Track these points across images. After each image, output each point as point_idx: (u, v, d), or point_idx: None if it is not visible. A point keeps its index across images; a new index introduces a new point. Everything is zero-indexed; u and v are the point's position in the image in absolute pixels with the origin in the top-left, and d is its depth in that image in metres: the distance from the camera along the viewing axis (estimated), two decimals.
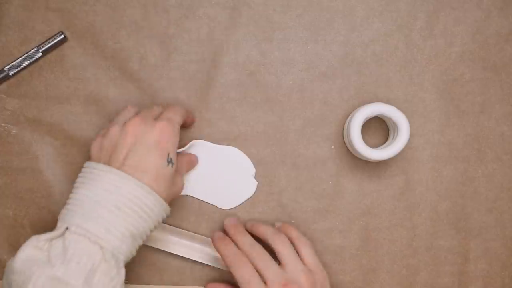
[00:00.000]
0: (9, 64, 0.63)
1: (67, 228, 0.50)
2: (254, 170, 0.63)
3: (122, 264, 0.51)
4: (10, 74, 0.63)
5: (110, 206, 0.50)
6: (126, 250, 0.51)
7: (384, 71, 0.64)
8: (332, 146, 0.64)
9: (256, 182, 0.63)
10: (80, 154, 0.64)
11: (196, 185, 0.63)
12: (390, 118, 0.60)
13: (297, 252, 0.57)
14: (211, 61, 0.64)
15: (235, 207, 0.64)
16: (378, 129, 0.64)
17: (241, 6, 0.64)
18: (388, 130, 0.64)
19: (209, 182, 0.63)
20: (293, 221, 0.64)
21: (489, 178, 0.64)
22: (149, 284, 0.63)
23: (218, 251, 0.58)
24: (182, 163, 0.59)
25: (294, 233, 0.59)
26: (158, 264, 0.63)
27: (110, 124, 0.56)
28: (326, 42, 0.64)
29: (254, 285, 0.54)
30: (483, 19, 0.64)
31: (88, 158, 0.58)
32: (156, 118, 0.56)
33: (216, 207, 0.64)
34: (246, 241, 0.58)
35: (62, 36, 0.63)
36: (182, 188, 0.58)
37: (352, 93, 0.64)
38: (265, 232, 0.58)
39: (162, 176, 0.53)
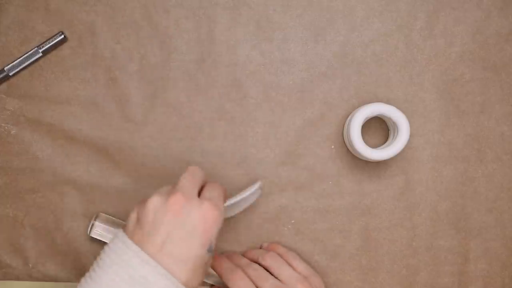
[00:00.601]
0: (9, 64, 0.63)
1: None
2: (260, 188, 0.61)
3: None
4: (10, 74, 0.63)
5: None
6: None
7: (384, 71, 0.64)
8: (332, 146, 0.64)
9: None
10: (80, 154, 0.64)
11: None
12: (390, 118, 0.60)
13: (288, 262, 0.60)
14: (211, 61, 0.64)
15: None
16: (378, 129, 0.64)
17: (241, 6, 0.64)
18: (388, 130, 0.64)
19: None
20: (293, 221, 0.64)
21: (489, 178, 0.64)
22: None
23: (214, 269, 0.58)
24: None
25: (280, 249, 0.61)
26: None
27: (151, 193, 0.50)
28: (326, 42, 0.64)
29: None
30: (483, 19, 0.64)
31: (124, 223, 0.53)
32: (200, 196, 0.50)
33: None
34: (242, 260, 0.59)
35: (62, 36, 0.63)
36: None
37: (352, 93, 0.64)
38: (254, 253, 0.60)
39: (200, 266, 0.48)
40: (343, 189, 0.64)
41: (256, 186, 0.58)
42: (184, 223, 0.47)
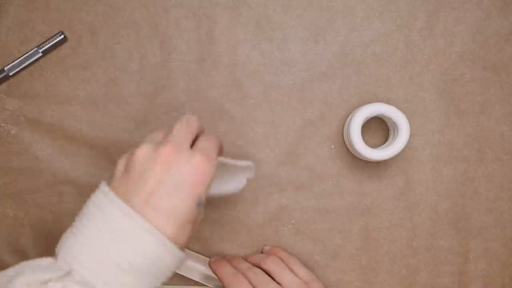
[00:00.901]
0: (9, 64, 0.63)
1: (69, 272, 0.43)
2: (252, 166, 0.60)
3: None
4: (10, 74, 0.63)
5: (124, 262, 0.43)
6: None
7: (384, 71, 0.64)
8: (332, 146, 0.64)
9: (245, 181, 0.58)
10: (80, 154, 0.64)
11: None
12: (390, 118, 0.60)
13: (290, 267, 0.60)
14: (211, 61, 0.64)
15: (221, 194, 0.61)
16: (378, 129, 0.64)
17: (241, 6, 0.64)
18: (388, 130, 0.64)
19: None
20: (293, 221, 0.64)
21: (489, 178, 0.64)
22: None
23: (215, 273, 0.58)
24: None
25: (282, 254, 0.61)
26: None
27: (141, 141, 0.48)
28: (326, 42, 0.64)
29: None
30: (483, 19, 0.64)
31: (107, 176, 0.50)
32: (193, 147, 0.48)
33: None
34: (243, 264, 0.59)
35: (62, 36, 0.63)
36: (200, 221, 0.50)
37: (352, 93, 0.64)
38: (256, 258, 0.60)
39: (188, 221, 0.45)
40: (343, 189, 0.64)
41: (247, 163, 0.55)
42: (173, 176, 0.45)
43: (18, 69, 0.63)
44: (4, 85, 0.64)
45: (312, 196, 0.64)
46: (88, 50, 0.64)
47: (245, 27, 0.64)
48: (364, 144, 0.59)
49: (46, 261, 0.44)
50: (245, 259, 0.61)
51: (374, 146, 0.64)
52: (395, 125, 0.60)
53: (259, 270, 0.58)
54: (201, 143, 0.48)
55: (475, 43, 0.64)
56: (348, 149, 0.64)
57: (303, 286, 0.57)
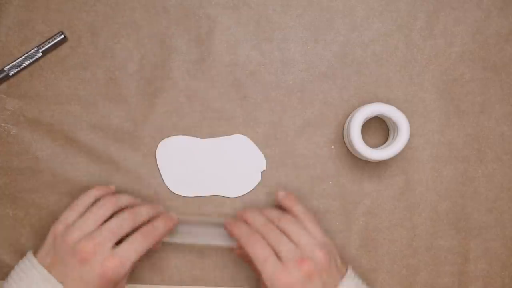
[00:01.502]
0: (9, 64, 0.63)
1: None
2: (263, 157, 0.64)
3: None
4: (10, 74, 0.63)
5: None
6: None
7: (384, 71, 0.64)
8: (332, 146, 0.64)
9: (264, 167, 0.64)
10: (80, 154, 0.64)
11: (199, 183, 0.63)
12: (390, 118, 0.60)
13: (302, 222, 0.57)
14: (211, 61, 0.64)
15: (243, 195, 0.63)
16: (378, 129, 0.64)
17: (241, 6, 0.64)
18: (388, 130, 0.64)
19: (214, 175, 0.63)
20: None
21: (489, 178, 0.64)
22: (149, 284, 0.63)
23: (231, 233, 0.58)
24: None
25: (299, 208, 0.58)
26: (158, 264, 0.63)
27: (69, 209, 0.56)
28: (326, 42, 0.64)
29: (270, 263, 0.53)
30: (483, 19, 0.64)
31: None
32: (117, 246, 0.54)
33: (222, 199, 0.64)
34: (259, 219, 0.57)
35: (62, 36, 0.63)
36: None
37: (352, 93, 0.64)
38: (272, 213, 0.58)
39: None
40: (343, 189, 0.64)
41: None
42: (86, 272, 0.53)
43: (18, 69, 0.63)
44: (4, 85, 0.64)
45: (312, 196, 0.64)
46: (88, 50, 0.64)
47: (245, 27, 0.64)
48: (364, 144, 0.59)
49: None
50: (261, 211, 0.59)
51: (374, 146, 0.64)
52: (395, 125, 0.60)
53: (275, 228, 0.56)
54: (126, 245, 0.54)
55: (475, 43, 0.64)
56: (348, 149, 0.64)
57: (321, 247, 0.55)
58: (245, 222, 0.58)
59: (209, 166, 0.63)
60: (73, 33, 0.64)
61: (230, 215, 0.63)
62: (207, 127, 0.64)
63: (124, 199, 0.58)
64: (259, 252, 0.54)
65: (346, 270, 0.56)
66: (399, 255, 0.64)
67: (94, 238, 0.53)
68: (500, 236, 0.64)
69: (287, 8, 0.64)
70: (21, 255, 0.63)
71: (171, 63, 0.64)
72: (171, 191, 0.64)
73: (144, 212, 0.58)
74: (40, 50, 0.63)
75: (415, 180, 0.64)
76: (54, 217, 0.63)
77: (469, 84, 0.64)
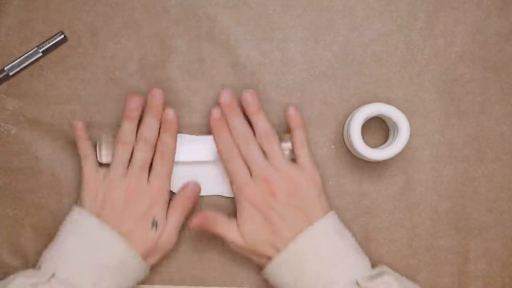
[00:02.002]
0: (9, 64, 0.63)
1: (53, 275, 0.54)
2: None
3: None
4: (10, 74, 0.63)
5: (100, 263, 0.55)
6: None
7: (384, 71, 0.64)
8: (332, 146, 0.64)
9: None
10: None
11: (199, 182, 0.63)
12: (390, 118, 0.60)
13: (293, 147, 0.60)
14: (211, 61, 0.64)
15: None
16: (378, 129, 0.64)
17: (241, 6, 0.64)
18: (388, 130, 0.64)
19: (214, 174, 0.63)
20: None
21: (489, 178, 0.64)
22: (149, 284, 0.63)
23: (213, 135, 0.60)
24: (175, 216, 0.61)
25: (299, 134, 0.60)
26: (158, 264, 0.63)
27: (115, 148, 0.59)
28: (326, 42, 0.64)
29: (239, 176, 0.58)
30: (483, 19, 0.64)
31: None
32: (150, 171, 0.59)
33: (221, 198, 0.64)
34: (240, 128, 0.59)
35: (62, 36, 0.63)
36: (173, 245, 0.61)
37: (352, 93, 0.64)
38: (258, 125, 0.60)
39: (145, 240, 0.58)
40: (343, 189, 0.64)
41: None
42: (134, 205, 0.58)
43: (18, 69, 0.63)
44: (4, 85, 0.64)
45: None
46: (88, 50, 0.64)
47: (245, 27, 0.64)
48: (364, 144, 0.59)
49: (30, 271, 0.56)
50: (254, 114, 0.60)
51: (374, 146, 0.64)
52: (395, 125, 0.60)
53: (253, 141, 0.59)
54: (157, 167, 0.59)
55: (475, 43, 0.64)
56: (348, 149, 0.64)
57: (294, 171, 0.58)
58: (228, 126, 0.60)
59: (209, 166, 0.63)
60: (73, 33, 0.64)
61: (230, 215, 0.63)
62: (207, 127, 0.64)
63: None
64: (232, 167, 0.59)
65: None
66: (399, 255, 0.64)
67: (132, 175, 0.58)
68: (500, 236, 0.64)
69: (287, 8, 0.64)
70: (21, 255, 0.63)
71: (171, 63, 0.64)
72: (171, 191, 0.63)
73: (152, 129, 0.60)
74: (40, 50, 0.63)
75: (415, 180, 0.64)
76: (54, 217, 0.63)
77: (469, 84, 0.64)
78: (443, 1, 0.64)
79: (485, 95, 0.64)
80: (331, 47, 0.64)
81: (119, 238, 0.56)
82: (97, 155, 0.61)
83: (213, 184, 0.63)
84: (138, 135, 0.60)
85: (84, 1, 0.64)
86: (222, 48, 0.64)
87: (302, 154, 0.59)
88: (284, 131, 0.64)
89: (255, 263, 0.61)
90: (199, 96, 0.64)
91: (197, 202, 0.63)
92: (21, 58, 0.63)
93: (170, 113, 0.61)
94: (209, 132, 0.64)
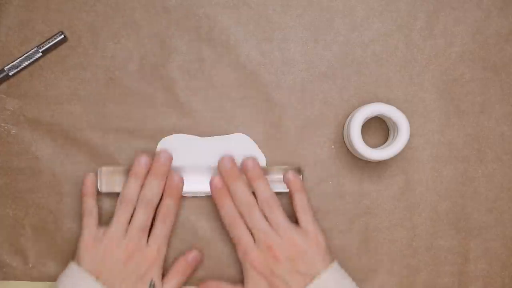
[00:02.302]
0: (9, 64, 0.63)
1: None
2: (263, 157, 0.64)
3: None
4: (10, 74, 0.63)
5: None
6: None
7: (384, 71, 0.64)
8: (332, 146, 0.64)
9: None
10: (80, 154, 0.64)
11: (199, 182, 0.63)
12: (390, 118, 0.60)
13: (295, 210, 0.60)
14: (211, 61, 0.64)
15: None
16: (378, 129, 0.64)
17: (241, 6, 0.64)
18: (388, 130, 0.64)
19: (214, 174, 0.63)
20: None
21: (489, 178, 0.64)
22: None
23: (216, 204, 0.61)
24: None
25: (300, 197, 0.60)
26: None
27: (112, 227, 0.59)
28: (326, 42, 0.64)
29: (244, 242, 0.59)
30: (483, 19, 0.64)
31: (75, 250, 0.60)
32: (150, 234, 0.60)
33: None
34: (242, 195, 0.60)
35: (62, 36, 0.63)
36: None
37: (352, 93, 0.64)
38: (259, 190, 0.60)
39: None
40: (343, 189, 0.64)
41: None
42: (131, 267, 0.58)
43: (18, 69, 0.63)
44: (4, 85, 0.64)
45: (312, 196, 0.64)
46: (88, 50, 0.64)
47: (245, 27, 0.64)
48: (364, 144, 0.59)
49: None
50: (252, 181, 0.61)
51: (374, 146, 0.64)
52: (395, 125, 0.60)
53: (256, 209, 0.59)
54: (157, 230, 0.60)
55: (475, 43, 0.64)
56: (348, 149, 0.64)
57: (297, 236, 0.58)
58: (230, 194, 0.60)
59: (209, 166, 0.63)
60: (73, 33, 0.64)
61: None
62: (207, 127, 0.64)
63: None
64: (236, 234, 0.59)
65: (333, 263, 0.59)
66: (399, 255, 0.64)
67: (132, 237, 0.58)
68: (500, 236, 0.64)
69: (287, 8, 0.64)
70: (21, 255, 0.63)
71: (171, 63, 0.64)
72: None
73: (155, 192, 0.60)
74: (40, 50, 0.63)
75: (415, 180, 0.64)
76: (54, 217, 0.63)
77: (469, 84, 0.64)
78: (443, 1, 0.64)
79: (485, 95, 0.64)
80: (331, 47, 0.64)
81: None
82: (98, 184, 0.62)
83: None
84: (140, 196, 0.60)
85: (84, 1, 0.64)
86: (222, 48, 0.64)
87: (305, 218, 0.59)
88: (283, 134, 0.64)
89: None
90: (199, 96, 0.64)
91: (197, 268, 0.63)
92: (21, 58, 0.63)
93: (175, 178, 0.61)
94: (210, 133, 0.64)
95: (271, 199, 0.60)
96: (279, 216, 0.59)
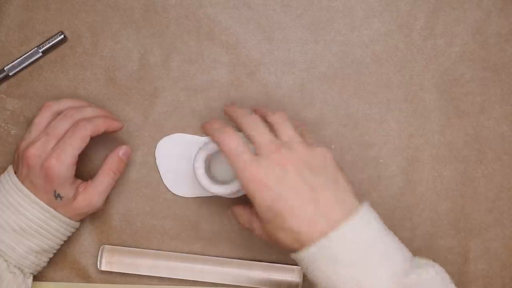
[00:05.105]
0: (9, 64, 0.63)
1: None
2: None
3: (28, 275, 0.57)
4: (10, 74, 0.63)
5: (16, 226, 0.55)
6: (30, 264, 0.57)
7: (384, 71, 0.64)
8: (332, 146, 0.64)
9: None
10: (80, 154, 0.64)
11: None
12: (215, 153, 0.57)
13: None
14: (211, 61, 0.64)
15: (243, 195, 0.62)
16: None
17: (241, 6, 0.64)
18: None
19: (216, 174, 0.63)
20: None
21: (489, 178, 0.64)
22: (149, 285, 0.63)
23: (205, 131, 0.53)
24: (103, 175, 0.59)
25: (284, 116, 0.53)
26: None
27: (29, 129, 0.58)
28: (326, 42, 0.64)
29: (241, 156, 0.48)
30: (483, 19, 0.64)
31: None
32: (54, 144, 0.56)
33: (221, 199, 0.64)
34: (240, 112, 0.52)
35: (62, 36, 0.63)
36: (94, 207, 0.59)
37: (352, 93, 0.64)
38: (263, 110, 0.54)
39: (54, 203, 0.56)
40: None
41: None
42: (34, 171, 0.56)
43: (18, 69, 0.63)
44: (4, 85, 0.64)
45: None
46: (88, 50, 0.64)
47: (245, 27, 0.64)
48: (208, 180, 0.56)
49: None
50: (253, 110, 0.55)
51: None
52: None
53: (257, 119, 0.51)
54: (60, 143, 0.56)
55: (475, 43, 0.64)
56: (348, 149, 0.64)
57: (304, 145, 0.49)
58: (228, 109, 0.54)
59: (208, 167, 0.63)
60: (73, 33, 0.64)
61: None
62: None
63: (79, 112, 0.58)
64: (231, 146, 0.49)
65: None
66: None
67: (35, 143, 0.56)
68: (500, 236, 0.64)
69: (287, 8, 0.64)
70: None
71: (171, 63, 0.64)
72: (171, 192, 0.64)
73: (88, 112, 0.58)
74: (40, 50, 0.63)
75: (415, 180, 0.64)
76: None
77: (469, 84, 0.64)
78: (443, 1, 0.64)
79: (485, 95, 0.64)
80: (331, 47, 0.64)
81: (36, 200, 0.56)
82: (98, 261, 0.62)
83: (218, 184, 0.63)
84: (67, 111, 0.58)
85: (84, 1, 0.64)
86: (222, 48, 0.64)
87: (308, 134, 0.53)
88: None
89: (281, 245, 0.50)
90: (199, 96, 0.64)
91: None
92: (21, 58, 0.63)
93: (118, 123, 0.59)
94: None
95: (284, 116, 0.52)
96: (288, 126, 0.51)
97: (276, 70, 0.64)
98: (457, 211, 0.64)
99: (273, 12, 0.64)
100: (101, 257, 0.62)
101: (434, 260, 0.64)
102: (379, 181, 0.64)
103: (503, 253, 0.64)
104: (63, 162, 0.55)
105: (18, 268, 0.56)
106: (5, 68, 0.63)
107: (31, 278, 0.58)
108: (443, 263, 0.64)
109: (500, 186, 0.64)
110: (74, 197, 0.57)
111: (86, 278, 0.63)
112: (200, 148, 0.57)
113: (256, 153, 0.49)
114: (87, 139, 0.56)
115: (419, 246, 0.64)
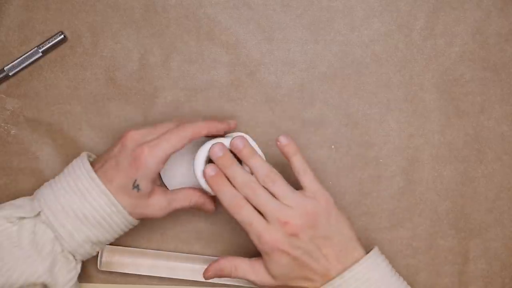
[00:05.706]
0: (9, 64, 0.63)
1: (39, 213, 0.55)
2: (263, 156, 0.61)
3: (79, 261, 0.57)
4: (10, 74, 0.63)
5: (80, 213, 0.55)
6: (84, 252, 0.56)
7: (384, 71, 0.64)
8: (332, 146, 0.64)
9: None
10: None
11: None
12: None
13: (296, 175, 0.57)
14: (211, 61, 0.64)
15: None
16: None
17: (241, 6, 0.64)
18: None
19: None
20: None
21: (489, 178, 0.64)
22: (149, 284, 0.63)
23: (214, 192, 0.57)
24: (177, 195, 0.59)
25: (297, 158, 0.58)
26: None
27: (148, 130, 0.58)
28: (326, 42, 0.64)
29: (255, 225, 0.55)
30: (483, 19, 0.64)
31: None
32: (154, 138, 0.56)
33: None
34: (240, 177, 0.56)
35: (62, 36, 0.63)
36: (158, 214, 0.58)
37: (352, 93, 0.64)
38: (255, 167, 0.57)
39: (127, 194, 0.56)
40: (343, 189, 0.64)
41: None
42: (122, 155, 0.56)
43: (18, 69, 0.63)
44: (4, 85, 0.64)
45: None
46: (88, 50, 0.64)
47: (245, 27, 0.64)
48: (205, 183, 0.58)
49: (23, 200, 0.56)
50: (247, 160, 0.58)
51: None
52: None
53: (257, 185, 0.56)
54: (160, 137, 0.56)
55: (475, 43, 0.64)
56: (348, 149, 0.64)
57: (308, 202, 0.56)
58: (226, 177, 0.57)
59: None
60: (73, 33, 0.64)
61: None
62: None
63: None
64: (243, 217, 0.55)
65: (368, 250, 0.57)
66: (399, 255, 0.64)
67: (140, 129, 0.57)
68: (500, 236, 0.64)
69: (287, 8, 0.64)
70: None
71: (171, 63, 0.64)
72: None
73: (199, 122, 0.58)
74: (40, 50, 0.63)
75: (415, 180, 0.64)
76: None
77: (469, 84, 0.64)
78: (443, 1, 0.64)
79: (485, 95, 0.64)
80: (331, 47, 0.64)
81: (105, 191, 0.55)
82: (98, 261, 0.62)
83: None
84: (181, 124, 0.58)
85: (84, 1, 0.64)
86: (222, 48, 0.64)
87: (307, 179, 0.57)
88: (284, 131, 0.64)
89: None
90: (199, 96, 0.64)
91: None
92: (21, 58, 0.63)
93: (230, 122, 0.60)
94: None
95: (270, 173, 0.56)
96: (282, 186, 0.56)
97: (276, 70, 0.64)
98: (457, 211, 0.64)
99: (273, 12, 0.64)
100: (101, 257, 0.62)
101: (434, 260, 0.64)
102: (379, 181, 0.64)
103: (503, 253, 0.64)
104: (155, 154, 0.55)
105: (72, 254, 0.56)
106: (5, 68, 0.63)
107: (81, 264, 0.57)
108: (443, 263, 0.64)
109: (500, 186, 0.64)
110: (150, 195, 0.57)
111: (86, 278, 0.63)
112: (200, 148, 0.58)
113: (267, 220, 0.55)
114: (186, 140, 0.56)
115: (419, 246, 0.64)
